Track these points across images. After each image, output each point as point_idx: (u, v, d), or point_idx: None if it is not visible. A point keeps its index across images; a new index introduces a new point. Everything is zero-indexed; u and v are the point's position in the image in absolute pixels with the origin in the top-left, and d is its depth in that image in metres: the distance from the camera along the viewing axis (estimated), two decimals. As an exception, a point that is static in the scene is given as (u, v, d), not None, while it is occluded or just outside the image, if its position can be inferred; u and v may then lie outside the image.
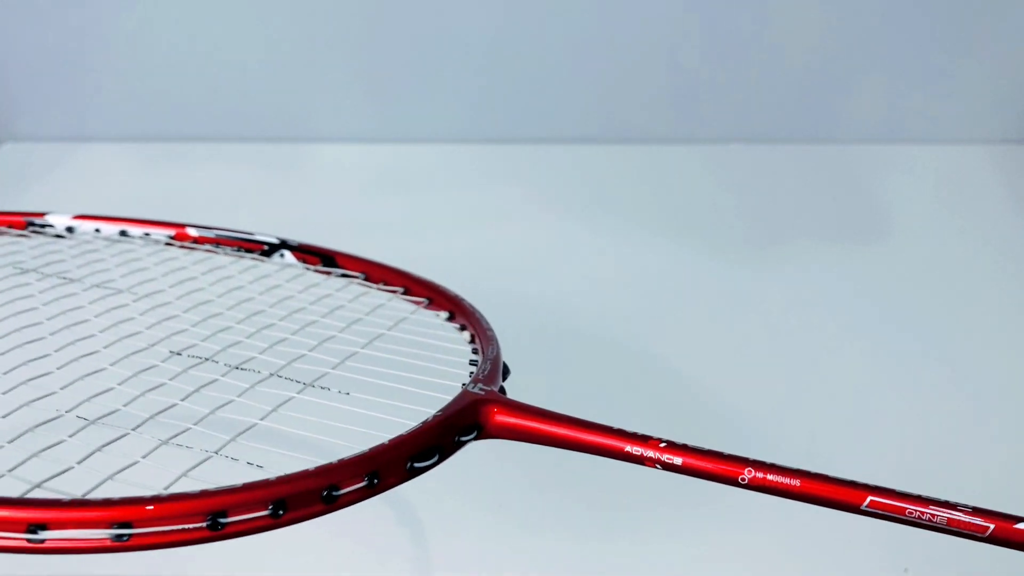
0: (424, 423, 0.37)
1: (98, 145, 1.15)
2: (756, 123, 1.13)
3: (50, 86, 1.14)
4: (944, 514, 0.35)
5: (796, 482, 0.36)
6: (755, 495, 0.37)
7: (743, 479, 0.37)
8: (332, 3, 1.07)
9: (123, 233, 0.60)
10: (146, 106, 1.15)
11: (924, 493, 0.36)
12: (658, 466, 0.38)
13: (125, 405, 0.38)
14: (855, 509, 0.36)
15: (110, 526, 0.29)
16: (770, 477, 0.36)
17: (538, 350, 0.78)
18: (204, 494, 0.30)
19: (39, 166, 1.12)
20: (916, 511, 0.35)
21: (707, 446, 0.38)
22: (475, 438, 0.39)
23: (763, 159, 1.12)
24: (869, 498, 0.36)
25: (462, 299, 0.52)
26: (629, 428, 0.38)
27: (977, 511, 0.35)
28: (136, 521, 0.29)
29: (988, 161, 1.07)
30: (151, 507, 0.30)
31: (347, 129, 1.17)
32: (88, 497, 0.30)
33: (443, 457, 0.37)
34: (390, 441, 0.35)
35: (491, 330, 0.48)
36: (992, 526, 0.35)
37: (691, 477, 0.38)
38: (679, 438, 0.38)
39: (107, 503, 0.29)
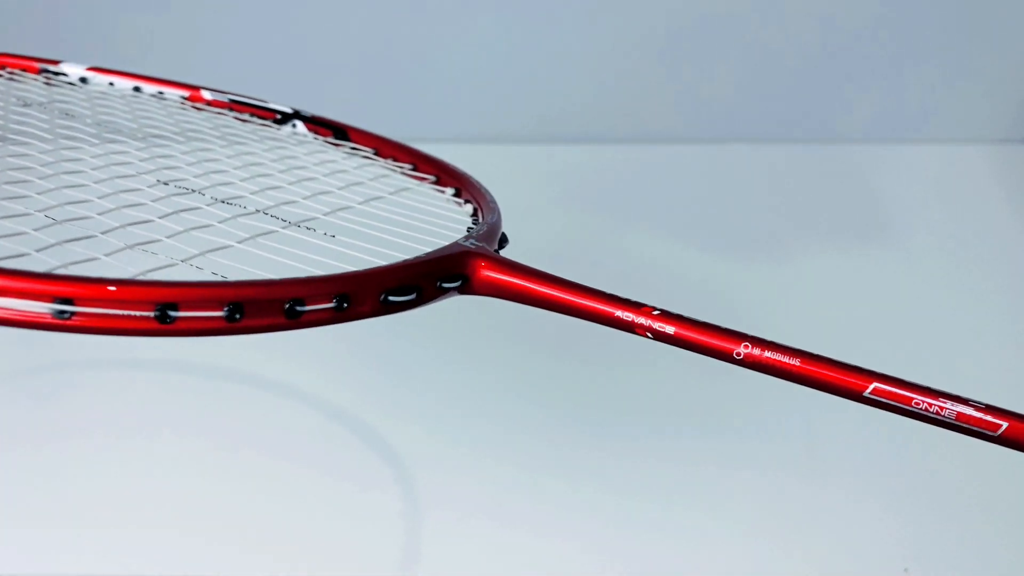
0: (405, 260, 0.34)
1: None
2: (756, 123, 1.12)
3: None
4: (953, 408, 0.32)
5: (796, 361, 0.34)
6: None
7: (738, 354, 0.34)
8: (333, 3, 1.05)
9: (136, 89, 0.59)
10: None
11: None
12: (649, 334, 0.35)
13: (100, 214, 0.36)
14: (857, 396, 0.34)
15: (52, 300, 0.28)
16: (767, 354, 0.34)
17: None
18: (155, 283, 0.29)
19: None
20: (924, 402, 0.32)
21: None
22: (459, 289, 0.36)
23: (763, 159, 1.10)
24: (873, 384, 0.33)
25: (469, 176, 0.50)
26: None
27: (990, 408, 0.32)
28: (79, 299, 0.28)
29: (988, 161, 1.06)
30: (96, 285, 0.28)
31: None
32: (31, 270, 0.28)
33: (422, 299, 0.35)
34: (365, 269, 0.33)
35: (495, 203, 0.46)
36: (1005, 424, 0.32)
37: (683, 350, 0.35)
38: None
39: (50, 276, 0.28)
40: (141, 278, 0.29)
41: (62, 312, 0.28)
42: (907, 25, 1.03)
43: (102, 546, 0.60)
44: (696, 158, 1.10)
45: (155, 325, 0.29)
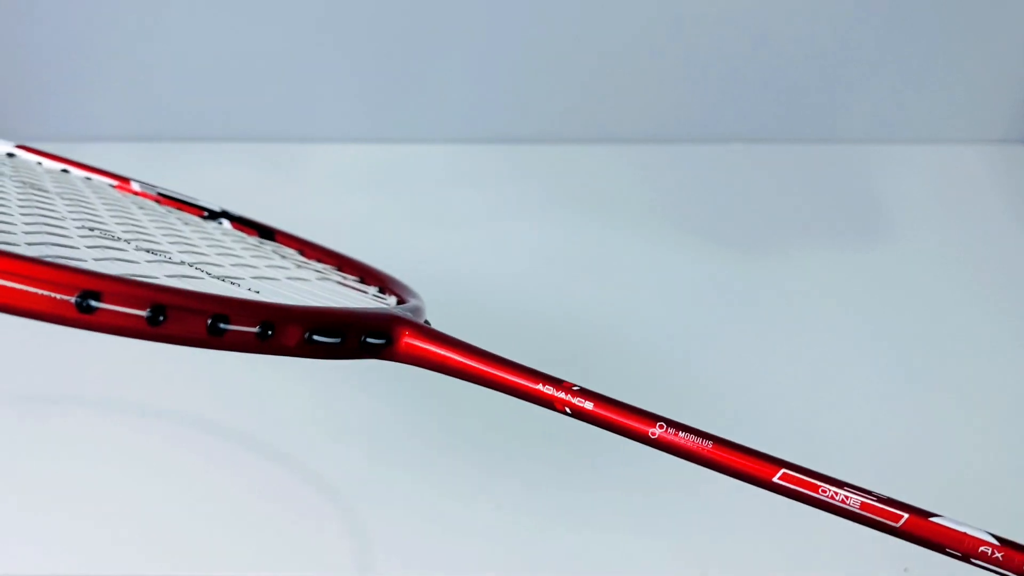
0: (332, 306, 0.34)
1: (98, 145, 1.12)
2: (756, 123, 1.12)
3: (50, 86, 1.12)
4: (858, 498, 0.33)
5: (708, 444, 0.34)
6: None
7: (653, 434, 0.35)
8: (332, 2, 1.07)
9: (64, 171, 0.58)
10: (146, 106, 1.14)
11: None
12: (568, 410, 0.35)
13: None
14: (765, 484, 0.34)
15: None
16: (681, 435, 0.35)
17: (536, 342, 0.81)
18: (76, 269, 0.28)
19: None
20: (830, 491, 0.33)
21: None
22: (382, 349, 0.36)
23: (763, 159, 1.11)
24: (782, 471, 0.34)
25: (394, 278, 0.51)
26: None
27: (892, 501, 0.33)
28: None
29: (988, 161, 1.07)
30: (18, 260, 0.27)
31: (347, 129, 1.15)
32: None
33: (346, 346, 0.34)
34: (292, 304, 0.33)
35: (419, 297, 0.46)
36: (905, 516, 0.33)
37: (601, 429, 0.36)
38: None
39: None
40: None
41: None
42: (907, 25, 1.04)
43: None
44: (696, 158, 1.10)
45: (73, 312, 0.27)
